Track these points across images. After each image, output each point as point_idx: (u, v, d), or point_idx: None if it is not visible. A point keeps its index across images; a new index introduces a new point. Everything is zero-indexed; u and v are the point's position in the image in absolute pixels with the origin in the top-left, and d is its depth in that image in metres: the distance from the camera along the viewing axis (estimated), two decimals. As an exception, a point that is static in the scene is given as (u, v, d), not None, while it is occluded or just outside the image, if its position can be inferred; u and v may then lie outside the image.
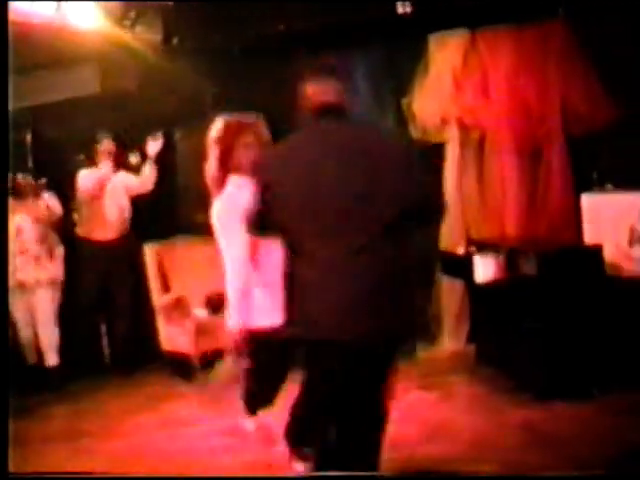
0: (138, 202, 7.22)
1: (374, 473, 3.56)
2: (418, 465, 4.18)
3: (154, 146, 7.03)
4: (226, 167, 3.98)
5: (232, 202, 3.84)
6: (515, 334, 5.68)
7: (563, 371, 5.25)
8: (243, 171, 3.94)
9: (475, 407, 5.34)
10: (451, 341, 6.85)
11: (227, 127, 4.01)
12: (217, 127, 4.04)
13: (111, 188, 7.03)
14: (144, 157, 7.07)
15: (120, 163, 7.04)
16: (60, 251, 6.77)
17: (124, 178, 7.14)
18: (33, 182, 6.71)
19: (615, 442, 4.40)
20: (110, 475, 4.60)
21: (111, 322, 7.27)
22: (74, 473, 4.54)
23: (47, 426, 5.76)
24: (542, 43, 6.42)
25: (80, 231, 7.10)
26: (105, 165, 6.91)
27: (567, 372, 5.24)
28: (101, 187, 6.93)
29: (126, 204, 7.17)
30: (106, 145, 6.92)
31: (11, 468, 3.50)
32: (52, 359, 6.65)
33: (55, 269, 6.71)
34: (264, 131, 4.07)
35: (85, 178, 6.94)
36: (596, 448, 4.30)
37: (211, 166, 4.02)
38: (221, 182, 3.97)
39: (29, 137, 7.42)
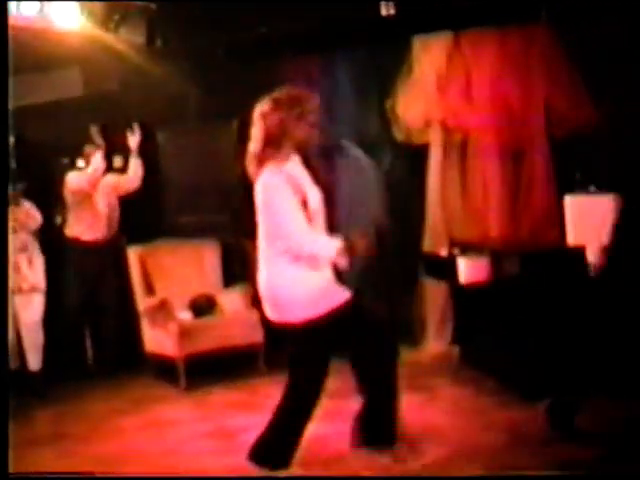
0: (122, 204, 7.21)
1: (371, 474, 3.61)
2: (402, 467, 4.18)
3: (134, 138, 7.09)
4: (273, 145, 3.81)
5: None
6: (499, 335, 5.70)
7: (547, 372, 5.27)
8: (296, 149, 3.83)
9: (460, 409, 5.36)
10: (435, 343, 6.87)
11: (276, 102, 3.84)
12: (265, 102, 3.86)
13: (101, 189, 7.03)
14: (128, 153, 7.11)
15: (105, 167, 7.02)
16: (40, 259, 6.63)
17: (111, 179, 7.16)
18: (12, 189, 6.57)
19: (598, 442, 4.42)
20: (111, 475, 4.59)
21: (97, 324, 7.24)
22: (73, 473, 4.53)
23: (31, 429, 5.73)
24: (525, 45, 6.44)
25: (69, 232, 7.07)
26: (96, 160, 6.86)
27: (551, 373, 5.26)
28: (95, 182, 6.92)
29: (115, 204, 7.17)
30: (97, 138, 6.87)
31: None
32: (35, 364, 6.59)
33: (36, 277, 6.56)
34: (316, 108, 3.90)
35: (76, 178, 6.93)
36: (580, 448, 4.32)
37: (256, 143, 3.84)
38: (265, 160, 3.80)
39: (12, 140, 7.38)
